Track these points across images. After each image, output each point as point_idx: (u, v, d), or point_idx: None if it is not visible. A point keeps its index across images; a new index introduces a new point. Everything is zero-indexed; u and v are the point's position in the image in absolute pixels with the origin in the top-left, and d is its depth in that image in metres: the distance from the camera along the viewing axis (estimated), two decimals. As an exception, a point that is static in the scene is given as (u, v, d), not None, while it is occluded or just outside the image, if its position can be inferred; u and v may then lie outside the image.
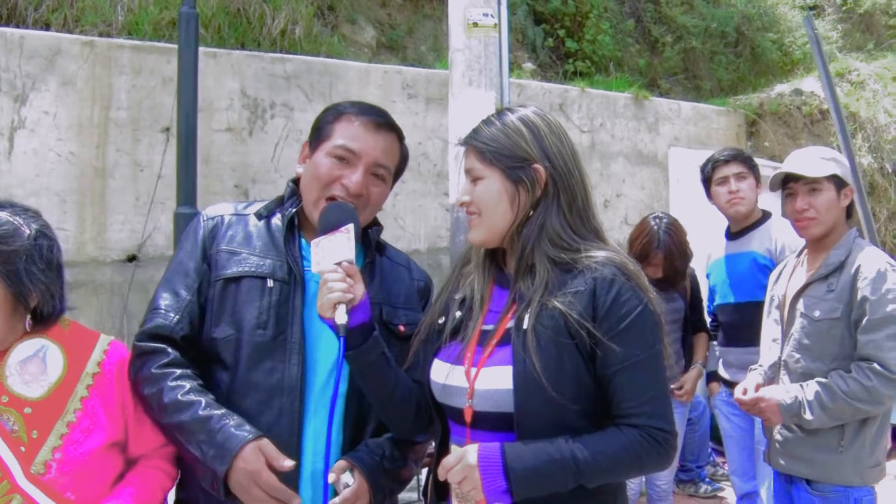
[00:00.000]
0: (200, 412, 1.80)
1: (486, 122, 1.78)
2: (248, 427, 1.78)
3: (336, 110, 2.00)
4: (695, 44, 9.09)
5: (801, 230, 2.76)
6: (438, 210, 5.82)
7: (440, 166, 5.75)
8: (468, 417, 1.68)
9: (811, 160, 2.72)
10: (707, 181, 3.86)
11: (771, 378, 2.79)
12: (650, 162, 7.11)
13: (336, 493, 1.80)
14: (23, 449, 1.76)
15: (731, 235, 3.83)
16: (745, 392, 2.78)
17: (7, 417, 1.78)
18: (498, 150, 1.72)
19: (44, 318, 1.86)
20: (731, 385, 3.53)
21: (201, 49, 4.71)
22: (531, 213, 1.71)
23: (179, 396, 1.82)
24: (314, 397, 1.87)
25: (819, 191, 2.68)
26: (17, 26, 5.07)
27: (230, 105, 5.21)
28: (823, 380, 2.56)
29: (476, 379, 1.67)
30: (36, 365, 1.83)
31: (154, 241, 4.91)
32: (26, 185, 4.60)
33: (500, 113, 1.78)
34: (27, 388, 1.81)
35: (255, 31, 6.03)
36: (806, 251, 2.83)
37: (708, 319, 4.15)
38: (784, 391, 2.63)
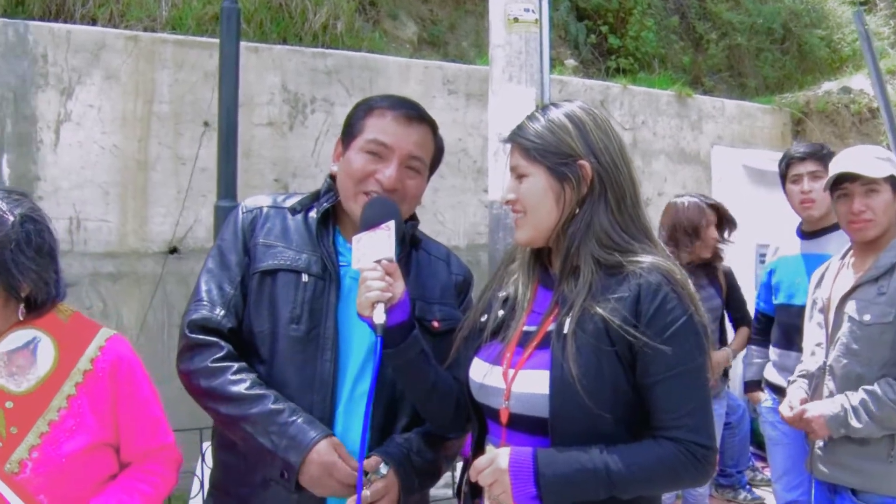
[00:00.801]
0: (271, 405, 1.81)
1: (531, 118, 1.74)
2: (318, 424, 1.81)
3: (367, 105, 1.98)
4: (740, 41, 8.93)
5: (855, 232, 2.67)
6: (478, 206, 5.79)
7: (480, 162, 5.72)
8: (504, 419, 1.66)
9: (867, 160, 2.64)
10: (783, 177, 3.69)
11: (815, 385, 2.72)
12: (692, 160, 7.00)
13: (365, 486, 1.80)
14: (0, 445, 1.69)
15: (805, 234, 3.65)
16: (791, 409, 2.71)
17: None
18: (543, 146, 1.68)
19: (38, 307, 1.78)
20: (780, 391, 3.42)
21: (243, 44, 4.74)
22: (577, 210, 1.66)
23: (244, 390, 1.83)
24: (345, 393, 1.87)
25: (877, 192, 2.60)
26: (66, 21, 5.15)
27: (271, 99, 5.24)
28: (870, 387, 2.49)
29: (513, 381, 1.64)
30: (25, 357, 1.75)
31: (195, 233, 4.95)
32: (71, 177, 4.67)
33: (544, 108, 1.74)
34: (12, 381, 1.73)
35: (297, 26, 6.05)
36: (851, 253, 2.75)
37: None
38: (829, 403, 2.56)
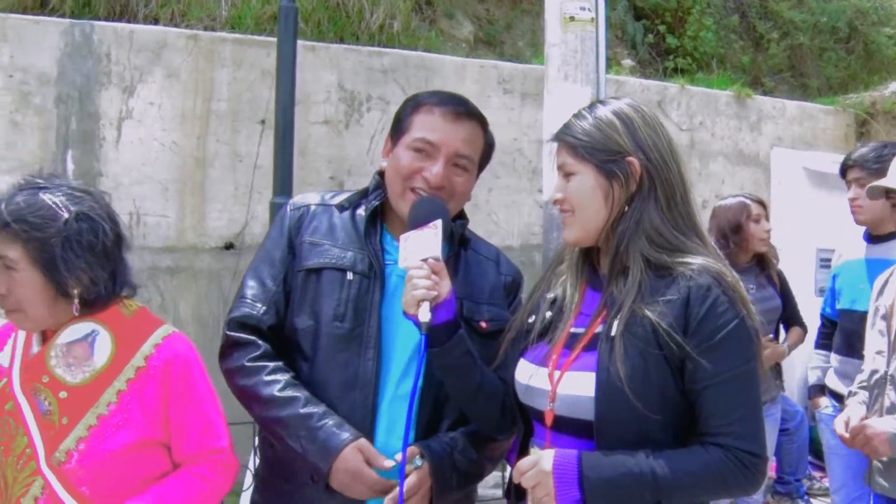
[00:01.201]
0: (301, 410, 1.81)
1: (578, 115, 1.72)
2: (347, 427, 1.80)
3: (415, 102, 1.97)
4: (802, 40, 8.72)
5: None
6: (532, 206, 5.76)
7: (535, 162, 5.69)
8: (549, 421, 1.64)
9: None
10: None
11: (876, 396, 2.63)
12: (751, 162, 6.87)
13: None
14: (52, 433, 1.71)
15: (872, 238, 3.55)
16: (846, 425, 2.63)
17: (44, 398, 1.73)
18: (590, 143, 1.66)
19: (91, 304, 1.78)
20: (841, 398, 3.33)
21: (300, 42, 4.79)
22: (626, 208, 1.64)
23: (277, 392, 1.83)
24: (388, 392, 1.87)
25: None
26: (129, 21, 5.26)
27: (327, 98, 5.28)
28: None
29: (559, 383, 1.62)
30: (83, 349, 1.75)
31: (251, 229, 5.02)
32: (132, 174, 4.77)
33: (591, 106, 1.72)
34: (68, 372, 1.74)
35: (354, 25, 6.09)
36: None
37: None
38: (892, 420, 2.47)
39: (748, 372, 1.57)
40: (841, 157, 3.84)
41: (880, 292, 2.76)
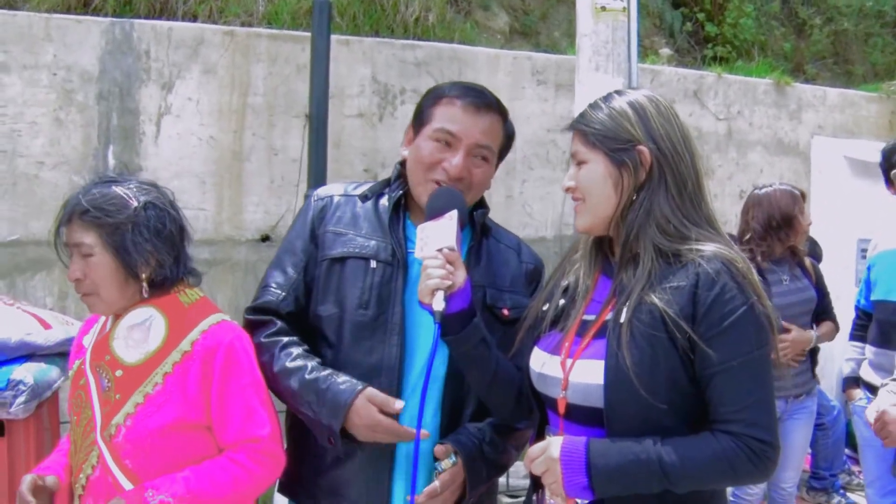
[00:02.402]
0: (307, 376, 1.88)
1: (593, 105, 1.74)
2: (352, 380, 1.85)
3: (436, 93, 2.01)
4: (847, 25, 8.55)
5: None
6: (566, 198, 5.73)
7: (569, 153, 5.68)
8: (562, 409, 1.67)
9: None
10: (885, 171, 3.61)
11: None
12: (791, 151, 6.76)
13: (435, 474, 1.83)
14: (107, 409, 1.85)
15: None
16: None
17: (105, 374, 1.88)
18: (602, 132, 1.68)
19: (158, 287, 1.92)
20: (876, 390, 3.28)
21: (334, 37, 4.84)
22: (636, 197, 1.66)
23: (288, 363, 1.90)
24: (412, 379, 1.91)
25: None
26: (168, 18, 5.37)
27: (361, 91, 5.33)
28: None
29: (571, 370, 1.65)
30: (141, 332, 1.89)
31: (286, 221, 5.09)
32: (171, 168, 4.88)
33: (607, 96, 1.74)
34: (126, 353, 1.88)
35: (389, 19, 6.13)
36: None
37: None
38: None
39: (759, 358, 1.57)
40: (883, 146, 3.78)
41: None
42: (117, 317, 1.93)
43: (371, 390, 1.84)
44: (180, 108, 4.91)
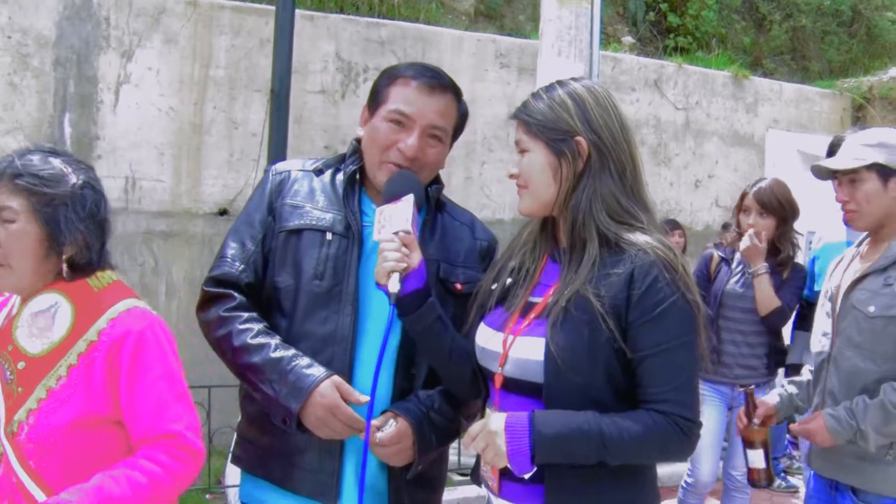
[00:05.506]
0: (272, 354, 1.88)
1: (535, 95, 1.80)
2: (318, 366, 1.87)
3: (391, 73, 2.03)
4: (805, 22, 8.72)
5: (847, 223, 2.63)
6: (524, 181, 5.81)
7: (528, 137, 5.73)
8: (498, 383, 1.74)
9: (850, 149, 2.56)
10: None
11: (819, 377, 2.66)
12: (746, 143, 6.91)
13: None
14: (10, 403, 1.72)
15: None
16: (740, 418, 2.77)
17: (6, 366, 1.74)
18: (542, 122, 1.74)
19: (77, 270, 1.79)
20: None
21: (298, 12, 4.82)
22: (577, 184, 1.73)
23: (249, 339, 1.90)
24: (366, 348, 1.94)
25: (858, 181, 2.53)
26: (129, -16, 5.29)
27: (325, 67, 5.32)
28: (876, 400, 2.40)
29: (511, 347, 1.71)
30: (45, 320, 1.75)
31: (244, 196, 5.07)
32: (129, 137, 4.83)
33: (549, 87, 1.80)
34: (29, 343, 1.74)
35: (355, -4, 6.11)
36: (866, 242, 2.68)
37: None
38: (831, 415, 2.45)
39: (685, 343, 1.66)
40: (831, 141, 3.88)
41: (832, 274, 2.77)
42: (23, 301, 1.79)
43: (338, 378, 1.86)
44: (140, 77, 4.86)
